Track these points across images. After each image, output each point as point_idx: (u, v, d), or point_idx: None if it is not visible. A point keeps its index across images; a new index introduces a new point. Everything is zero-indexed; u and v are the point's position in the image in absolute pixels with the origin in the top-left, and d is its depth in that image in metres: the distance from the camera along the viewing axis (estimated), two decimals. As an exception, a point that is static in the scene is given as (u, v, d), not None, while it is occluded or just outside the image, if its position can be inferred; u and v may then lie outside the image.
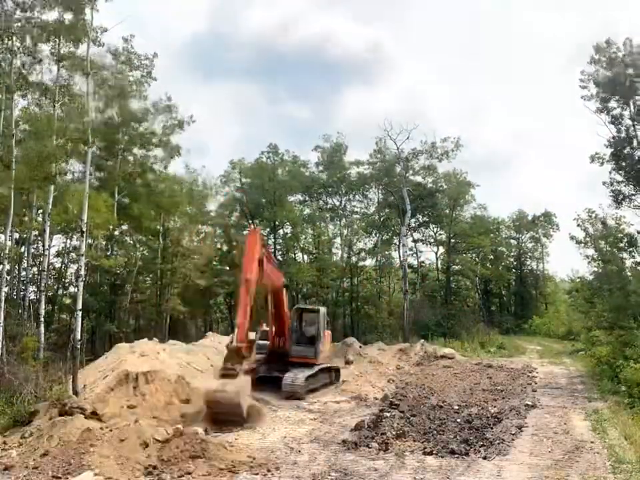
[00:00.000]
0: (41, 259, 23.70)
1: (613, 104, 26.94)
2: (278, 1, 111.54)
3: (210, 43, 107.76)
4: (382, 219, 46.37)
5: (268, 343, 17.49)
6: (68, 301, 32.69)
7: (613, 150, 26.83)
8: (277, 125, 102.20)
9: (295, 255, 45.15)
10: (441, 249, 48.88)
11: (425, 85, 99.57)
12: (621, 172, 26.78)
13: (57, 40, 21.22)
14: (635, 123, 26.52)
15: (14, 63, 20.56)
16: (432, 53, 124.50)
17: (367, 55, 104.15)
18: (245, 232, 44.27)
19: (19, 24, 19.93)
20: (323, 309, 19.17)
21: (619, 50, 26.77)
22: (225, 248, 44.66)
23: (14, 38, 19.80)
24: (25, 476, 8.12)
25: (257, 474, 8.63)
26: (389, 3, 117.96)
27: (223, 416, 12.09)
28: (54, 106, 22.10)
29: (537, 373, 23.06)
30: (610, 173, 26.98)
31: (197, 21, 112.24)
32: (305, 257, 45.29)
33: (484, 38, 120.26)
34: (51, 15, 21.03)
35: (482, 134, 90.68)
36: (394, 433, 11.30)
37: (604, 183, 27.05)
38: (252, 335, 15.19)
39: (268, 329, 17.83)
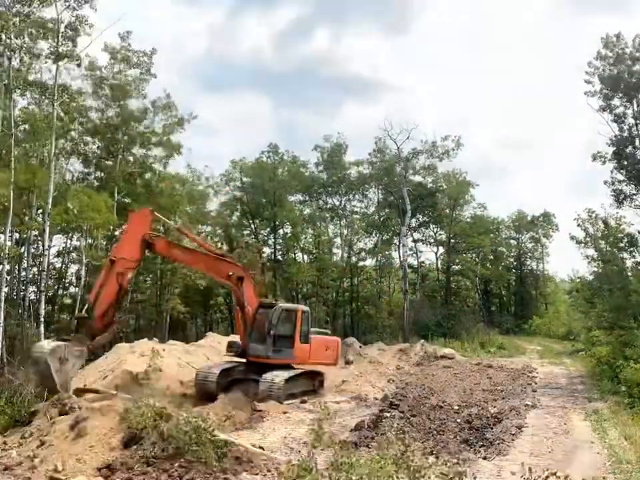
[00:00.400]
0: (41, 259, 23.70)
1: (616, 102, 26.89)
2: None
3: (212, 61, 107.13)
4: (382, 219, 46.39)
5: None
6: (68, 301, 32.72)
7: (614, 149, 26.79)
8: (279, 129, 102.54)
9: (295, 254, 45.17)
10: (441, 249, 48.98)
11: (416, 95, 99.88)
12: (622, 171, 26.73)
13: (55, 38, 21.19)
14: (638, 121, 26.47)
15: (12, 60, 20.52)
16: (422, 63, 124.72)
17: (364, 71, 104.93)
18: (245, 232, 44.52)
19: (17, 19, 19.86)
20: (303, 308, 17.45)
21: (627, 46, 26.70)
22: (225, 248, 44.64)
23: (12, 35, 19.79)
24: (25, 477, 8.11)
25: (257, 474, 8.62)
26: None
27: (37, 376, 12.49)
28: (53, 105, 22.10)
29: (537, 373, 23.04)
30: (611, 172, 26.96)
31: (197, 41, 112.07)
32: (305, 256, 45.30)
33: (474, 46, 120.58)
34: (49, 12, 20.99)
35: (475, 143, 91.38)
36: (394, 433, 11.30)
37: (605, 182, 27.05)
38: None
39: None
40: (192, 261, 16.24)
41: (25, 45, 21.07)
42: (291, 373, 15.23)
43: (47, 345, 12.61)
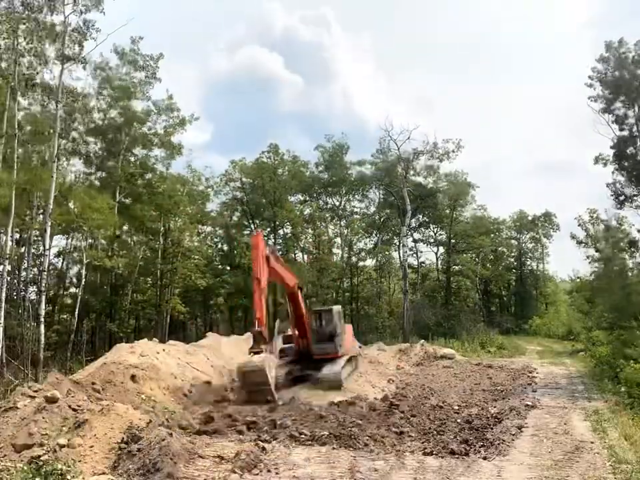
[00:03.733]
0: (42, 259, 23.70)
1: (617, 104, 26.94)
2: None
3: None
4: (382, 219, 46.39)
5: (292, 346, 18.86)
6: (68, 301, 32.75)
7: (616, 151, 26.82)
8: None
9: (294, 255, 45.17)
10: (441, 249, 48.96)
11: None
12: (623, 172, 26.76)
13: (62, 41, 21.22)
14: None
15: (19, 64, 20.53)
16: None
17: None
18: (245, 232, 44.53)
19: (25, 23, 19.92)
20: (336, 307, 20.34)
21: (629, 50, 26.77)
22: (225, 248, 44.73)
23: (19, 38, 19.83)
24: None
25: (257, 474, 8.63)
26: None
27: (253, 387, 14.36)
28: (56, 106, 22.11)
29: (537, 373, 23.02)
30: (613, 173, 27.01)
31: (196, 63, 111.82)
32: (305, 257, 45.31)
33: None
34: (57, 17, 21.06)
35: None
36: (394, 432, 11.32)
37: (607, 185, 27.09)
38: (278, 341, 18.32)
39: (291, 332, 19.32)
40: (283, 273, 17.99)
41: (33, 49, 21.08)
42: (341, 362, 17.87)
43: (256, 359, 14.45)
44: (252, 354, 14.74)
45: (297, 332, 18.79)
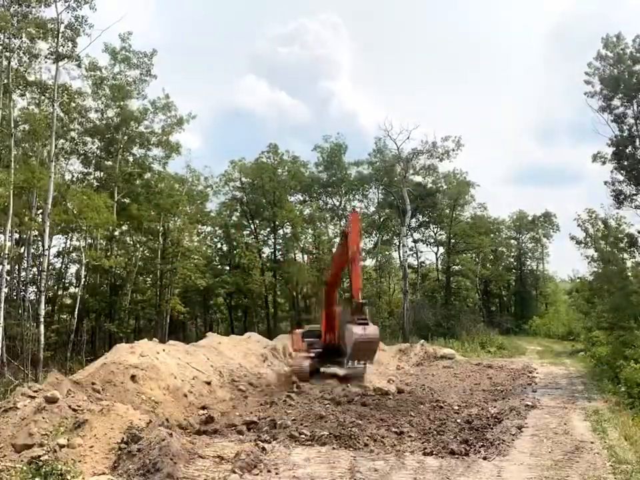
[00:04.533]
0: (41, 260, 23.68)
1: (616, 102, 26.87)
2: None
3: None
4: (382, 219, 46.39)
5: (318, 340, 20.08)
6: (68, 301, 32.74)
7: (614, 149, 26.77)
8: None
9: (295, 255, 45.17)
10: (441, 249, 48.97)
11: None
12: (622, 171, 26.72)
13: (55, 39, 21.18)
14: (638, 121, 26.45)
15: (11, 61, 20.50)
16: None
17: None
18: (245, 232, 44.55)
19: (16, 19, 19.86)
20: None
21: (627, 46, 26.68)
22: (224, 248, 44.71)
23: (10, 35, 19.78)
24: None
25: (257, 474, 8.63)
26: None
27: (367, 352, 16.21)
28: (53, 105, 22.09)
29: (537, 373, 23.03)
30: (611, 172, 26.95)
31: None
32: (305, 257, 45.30)
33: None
34: (49, 12, 20.99)
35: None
36: (394, 432, 11.32)
37: (605, 183, 27.05)
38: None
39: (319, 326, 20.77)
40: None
41: (23, 45, 21.06)
42: None
43: (371, 330, 15.97)
44: (359, 324, 15.84)
45: (325, 326, 20.11)
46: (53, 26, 21.10)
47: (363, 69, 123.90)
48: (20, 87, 22.22)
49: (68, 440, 8.82)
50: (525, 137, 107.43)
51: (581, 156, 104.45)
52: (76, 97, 26.86)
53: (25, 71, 22.07)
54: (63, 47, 21.59)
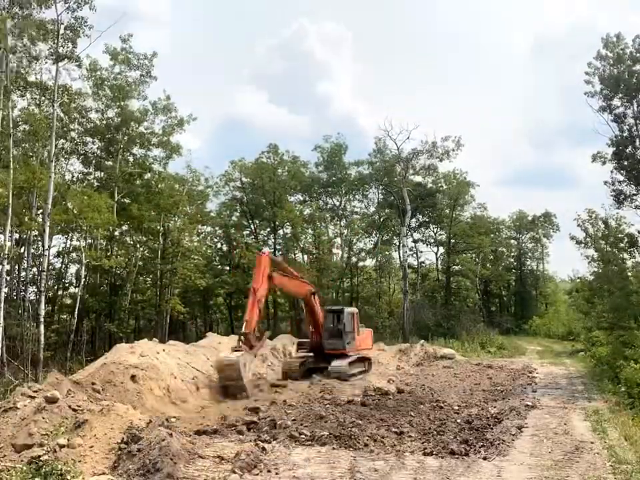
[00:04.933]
0: (41, 260, 23.67)
1: (616, 102, 26.86)
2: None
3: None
4: (382, 219, 46.39)
5: (308, 340, 21.42)
6: (68, 301, 32.73)
7: (614, 149, 26.77)
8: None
9: (294, 255, 45.16)
10: (441, 249, 48.99)
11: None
12: (622, 171, 26.72)
13: (55, 40, 21.16)
14: (639, 121, 26.45)
15: (10, 62, 20.46)
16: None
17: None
18: (245, 232, 44.54)
19: (15, 21, 19.85)
20: (349, 309, 22.37)
21: (627, 46, 26.67)
22: (224, 248, 44.69)
23: (10, 36, 19.74)
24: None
25: (257, 474, 8.63)
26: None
27: (227, 381, 15.82)
28: (53, 105, 22.07)
29: (537, 373, 23.04)
30: (611, 172, 26.96)
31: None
32: (305, 257, 45.30)
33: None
34: (49, 13, 20.98)
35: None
36: (394, 432, 11.32)
37: (605, 183, 27.06)
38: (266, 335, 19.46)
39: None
40: (290, 286, 20.51)
41: (23, 47, 21.05)
42: (350, 359, 20.16)
43: (233, 356, 15.89)
44: (232, 351, 16.38)
45: (312, 328, 21.31)
46: (52, 27, 21.09)
47: (362, 71, 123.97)
48: (20, 88, 22.21)
49: (68, 440, 8.82)
50: (524, 138, 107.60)
51: (577, 158, 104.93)
52: (76, 97, 26.85)
53: (25, 72, 22.07)
54: (63, 47, 21.58)
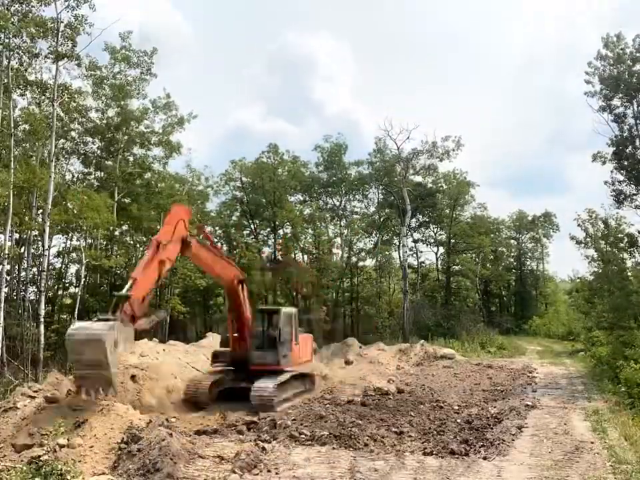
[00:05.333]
0: (41, 259, 23.67)
1: (616, 102, 26.87)
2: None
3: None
4: (382, 219, 46.38)
5: (228, 350, 15.64)
6: (68, 301, 32.71)
7: (614, 149, 26.79)
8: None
9: (295, 255, 45.13)
10: (441, 249, 48.98)
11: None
12: (622, 171, 26.74)
13: (55, 38, 21.15)
14: (639, 121, 26.46)
15: (11, 60, 20.47)
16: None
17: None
18: (245, 232, 44.52)
19: (16, 18, 19.86)
20: (287, 309, 16.88)
21: (627, 46, 26.68)
22: (224, 248, 44.64)
23: (10, 34, 19.76)
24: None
25: (257, 474, 8.63)
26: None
27: (83, 367, 10.37)
28: (53, 105, 22.05)
29: (537, 373, 23.04)
30: (611, 172, 26.98)
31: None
32: (305, 257, 45.29)
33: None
34: (49, 11, 20.97)
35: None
36: (394, 432, 11.33)
37: (605, 182, 27.07)
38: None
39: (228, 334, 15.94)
40: (211, 263, 14.72)
41: (23, 45, 21.05)
42: (282, 378, 14.68)
43: (97, 326, 10.42)
44: (96, 321, 10.79)
45: (234, 334, 15.53)
46: (52, 25, 21.08)
47: (362, 73, 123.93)
48: (20, 87, 22.19)
49: (68, 440, 8.83)
50: (524, 139, 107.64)
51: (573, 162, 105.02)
52: (76, 96, 26.82)
53: (25, 70, 22.05)
54: (63, 45, 21.57)
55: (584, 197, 72.09)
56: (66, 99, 24.24)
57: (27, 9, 20.65)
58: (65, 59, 21.96)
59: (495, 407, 14.58)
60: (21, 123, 24.10)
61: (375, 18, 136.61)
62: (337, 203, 46.67)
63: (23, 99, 24.33)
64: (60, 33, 21.20)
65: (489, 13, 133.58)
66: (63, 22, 21.24)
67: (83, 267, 28.29)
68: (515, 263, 57.10)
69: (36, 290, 24.98)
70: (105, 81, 31.55)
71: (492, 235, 50.84)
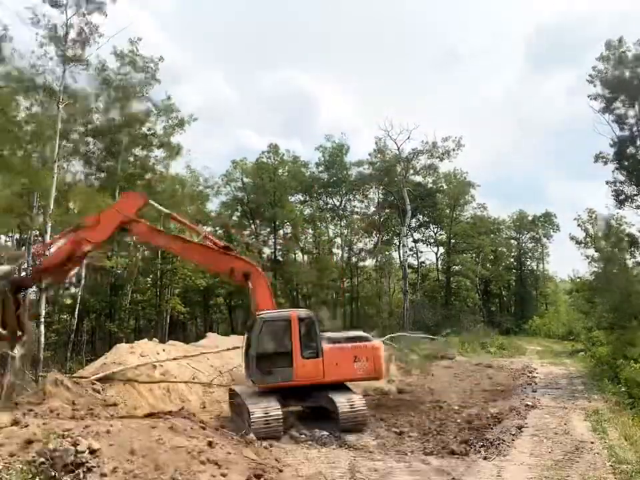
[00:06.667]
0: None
1: (618, 103, 26.89)
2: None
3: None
4: (382, 219, 46.40)
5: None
6: (68, 301, 32.71)
7: (616, 149, 26.82)
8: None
9: (295, 255, 45.18)
10: (441, 249, 49.01)
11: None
12: (623, 172, 26.76)
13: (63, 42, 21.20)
14: (639, 122, 26.51)
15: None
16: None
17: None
18: (245, 232, 44.50)
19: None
20: (303, 313, 12.71)
21: (629, 49, 26.74)
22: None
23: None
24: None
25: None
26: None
27: None
28: (58, 107, 22.07)
29: (537, 373, 23.03)
30: (613, 172, 27.02)
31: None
32: (305, 257, 45.30)
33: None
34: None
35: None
36: (394, 432, 11.34)
37: (607, 182, 27.10)
38: None
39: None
40: (182, 250, 13.64)
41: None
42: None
43: None
44: None
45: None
46: (63, 31, 21.18)
47: (362, 75, 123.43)
48: (28, 89, 22.27)
49: (68, 440, 8.82)
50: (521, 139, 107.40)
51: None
52: (83, 100, 26.86)
53: (31, 73, 22.12)
54: (72, 49, 21.64)
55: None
56: (71, 102, 24.26)
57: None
58: (72, 62, 22.02)
59: (495, 407, 14.58)
60: (24, 124, 24.10)
61: (376, 15, 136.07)
62: (337, 203, 46.73)
63: (28, 101, 24.36)
64: (69, 39, 21.29)
65: (489, 12, 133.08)
66: (73, 27, 21.35)
67: (84, 267, 28.26)
68: (515, 263, 57.06)
69: (36, 289, 24.95)
70: (110, 82, 31.58)
71: (492, 235, 50.86)
